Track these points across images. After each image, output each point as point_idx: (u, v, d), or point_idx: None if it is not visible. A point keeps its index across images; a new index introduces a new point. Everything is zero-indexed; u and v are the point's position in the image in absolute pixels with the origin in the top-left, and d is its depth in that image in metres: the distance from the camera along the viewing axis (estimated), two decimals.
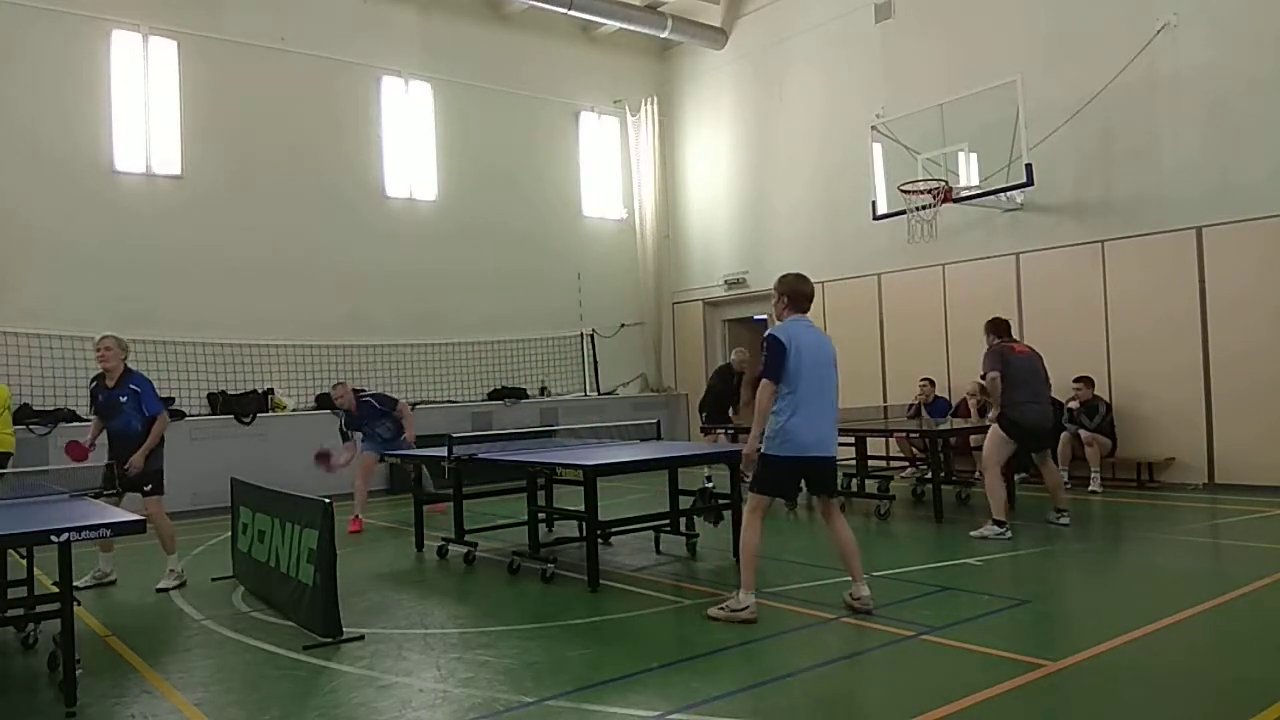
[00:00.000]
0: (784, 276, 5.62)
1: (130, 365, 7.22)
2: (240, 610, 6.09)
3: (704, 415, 11.83)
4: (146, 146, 11.80)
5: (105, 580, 7.05)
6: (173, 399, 11.51)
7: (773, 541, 7.92)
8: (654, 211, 16.16)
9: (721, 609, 5.41)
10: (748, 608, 5.31)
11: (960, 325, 11.96)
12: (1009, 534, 7.46)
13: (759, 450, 5.41)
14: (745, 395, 11.44)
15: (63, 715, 4.18)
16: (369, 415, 9.57)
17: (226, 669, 4.87)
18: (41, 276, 10.87)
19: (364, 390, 10.16)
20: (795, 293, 5.51)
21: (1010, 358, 7.86)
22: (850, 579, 5.52)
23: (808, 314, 5.53)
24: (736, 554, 7.04)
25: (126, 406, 6.90)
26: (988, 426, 8.48)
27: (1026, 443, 7.97)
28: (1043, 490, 8.68)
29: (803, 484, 5.69)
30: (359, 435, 9.65)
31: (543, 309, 14.92)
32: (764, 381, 5.31)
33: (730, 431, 11.15)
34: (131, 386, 6.95)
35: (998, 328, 8.18)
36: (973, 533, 7.59)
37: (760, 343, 5.45)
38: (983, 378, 8.09)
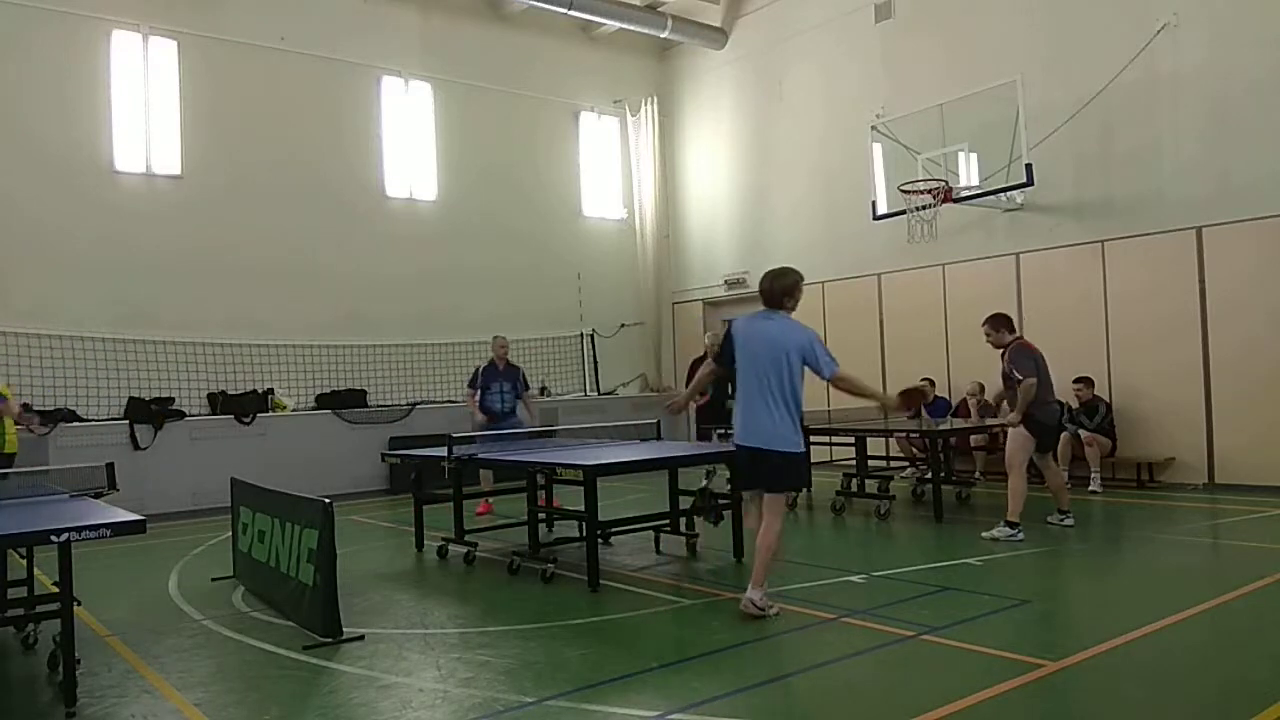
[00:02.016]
0: None
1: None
2: (240, 610, 6.09)
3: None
4: (146, 146, 11.80)
5: None
6: (173, 399, 11.53)
7: None
8: (654, 211, 16.15)
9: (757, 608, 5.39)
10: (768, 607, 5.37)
11: (960, 325, 11.96)
12: (1022, 535, 7.39)
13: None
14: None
15: (63, 715, 4.18)
16: (509, 377, 10.13)
17: (226, 669, 4.87)
18: (41, 276, 10.86)
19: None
20: (760, 291, 5.68)
21: (1037, 357, 7.70)
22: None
23: (782, 308, 5.59)
24: (736, 554, 7.08)
25: None
26: (987, 428, 8.45)
27: (1047, 442, 7.92)
28: (1043, 491, 8.67)
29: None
30: (481, 392, 10.06)
31: (543, 309, 14.90)
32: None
33: (722, 431, 11.12)
34: None
35: (1009, 322, 7.99)
36: (984, 534, 7.50)
37: None
38: (1008, 379, 7.72)
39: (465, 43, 14.43)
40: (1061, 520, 7.87)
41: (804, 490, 10.10)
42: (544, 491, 8.42)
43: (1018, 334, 7.96)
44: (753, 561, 6.87)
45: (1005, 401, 8.04)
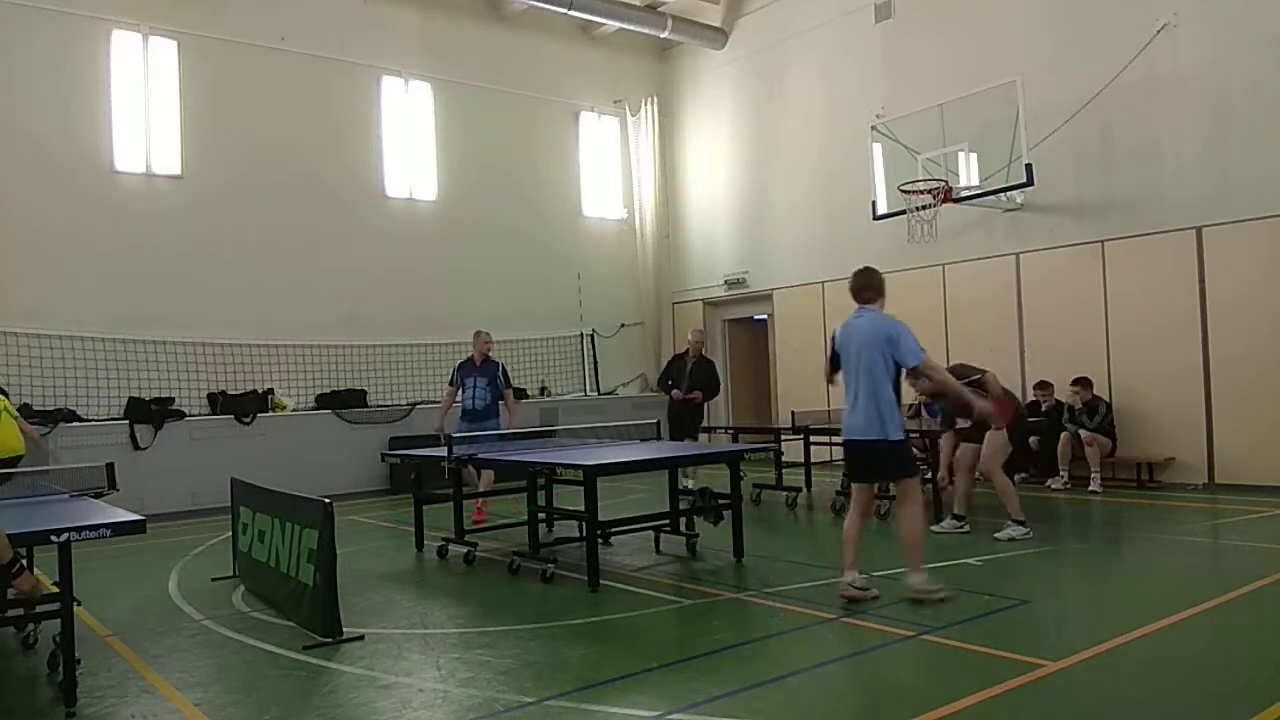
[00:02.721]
0: None
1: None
2: (240, 610, 6.09)
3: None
4: (146, 146, 11.80)
5: None
6: (173, 399, 11.53)
7: (773, 541, 7.94)
8: (654, 211, 16.16)
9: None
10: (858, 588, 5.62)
11: (960, 325, 11.97)
12: (1031, 533, 7.42)
13: None
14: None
15: (63, 715, 4.18)
16: (485, 373, 9.69)
17: (226, 669, 4.87)
18: (41, 276, 10.86)
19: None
20: (850, 291, 5.93)
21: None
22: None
23: (870, 304, 5.82)
24: (736, 554, 7.07)
25: None
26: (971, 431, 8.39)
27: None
28: (1044, 491, 8.68)
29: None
30: (459, 389, 9.72)
31: (543, 309, 14.91)
32: None
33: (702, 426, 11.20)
34: None
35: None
36: (996, 535, 7.47)
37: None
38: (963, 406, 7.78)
39: (465, 43, 14.43)
40: (958, 526, 7.80)
41: (805, 491, 10.18)
42: (545, 492, 8.40)
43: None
44: (753, 562, 6.93)
45: (961, 419, 8.06)
